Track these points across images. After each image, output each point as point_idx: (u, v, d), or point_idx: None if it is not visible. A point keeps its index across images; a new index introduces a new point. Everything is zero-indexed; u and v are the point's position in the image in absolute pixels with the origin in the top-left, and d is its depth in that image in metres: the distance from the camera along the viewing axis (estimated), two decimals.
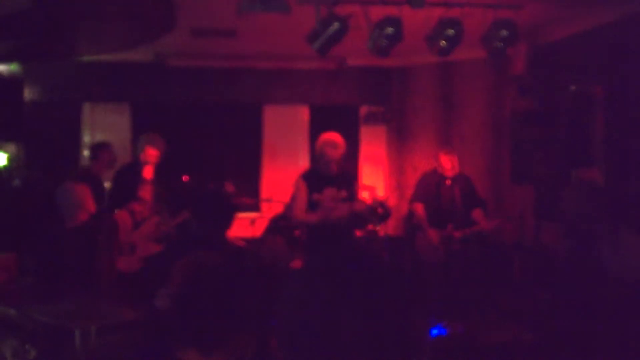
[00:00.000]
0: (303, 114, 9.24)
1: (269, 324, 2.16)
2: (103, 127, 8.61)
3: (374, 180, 9.11)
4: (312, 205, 6.16)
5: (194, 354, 1.94)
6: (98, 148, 7.17)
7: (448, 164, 6.92)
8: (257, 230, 7.90)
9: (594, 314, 5.47)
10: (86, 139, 8.53)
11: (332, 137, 6.18)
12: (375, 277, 1.34)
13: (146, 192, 5.87)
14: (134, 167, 6.75)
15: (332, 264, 1.40)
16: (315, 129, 9.15)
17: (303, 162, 8.89)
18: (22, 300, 4.60)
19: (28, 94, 8.32)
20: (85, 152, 8.48)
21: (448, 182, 6.97)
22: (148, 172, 5.88)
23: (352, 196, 6.25)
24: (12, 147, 8.38)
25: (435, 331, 6.29)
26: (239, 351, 1.97)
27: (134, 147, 6.85)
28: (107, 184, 6.96)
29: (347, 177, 6.41)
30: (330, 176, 6.17)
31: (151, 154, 6.07)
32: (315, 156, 6.27)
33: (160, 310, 3.79)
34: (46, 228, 5.35)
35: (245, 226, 7.91)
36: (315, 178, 6.19)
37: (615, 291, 5.52)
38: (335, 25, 5.71)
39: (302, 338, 1.30)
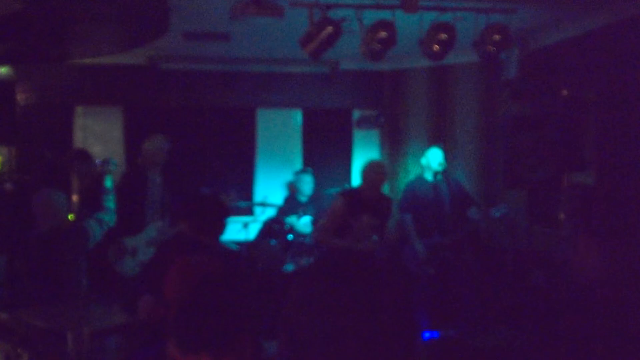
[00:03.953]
0: (296, 117, 9.24)
1: (263, 326, 2.16)
2: (95, 130, 8.58)
3: None
4: (344, 228, 6.21)
5: (205, 357, 1.93)
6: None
7: (437, 161, 6.94)
8: (250, 234, 7.91)
9: (586, 317, 5.48)
10: (78, 142, 8.50)
11: (379, 163, 6.34)
12: (373, 280, 1.34)
13: (112, 202, 5.87)
14: (138, 170, 6.76)
15: (334, 268, 1.41)
16: (308, 133, 9.18)
17: (296, 166, 8.89)
18: (14, 304, 4.59)
19: (20, 96, 8.30)
20: None
21: (435, 185, 6.96)
22: (108, 181, 5.88)
23: (384, 223, 6.30)
24: (5, 150, 8.35)
25: (427, 334, 6.29)
26: (245, 353, 1.96)
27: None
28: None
29: (384, 203, 6.45)
30: (370, 201, 6.23)
31: (112, 163, 6.04)
32: (361, 180, 6.39)
33: (142, 317, 3.78)
34: (21, 233, 5.37)
35: (238, 230, 7.91)
36: (357, 200, 6.25)
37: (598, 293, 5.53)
38: (329, 29, 5.71)
39: (303, 339, 1.30)
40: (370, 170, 6.30)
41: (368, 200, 6.28)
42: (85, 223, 5.46)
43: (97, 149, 8.24)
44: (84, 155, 7.07)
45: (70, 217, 5.57)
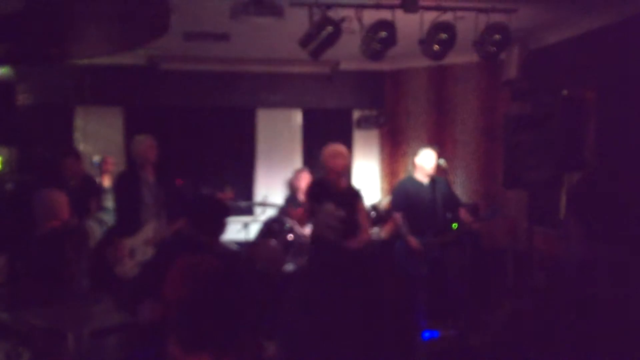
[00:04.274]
0: (296, 118, 9.25)
1: (264, 326, 2.16)
2: (96, 130, 8.59)
3: (367, 185, 9.13)
4: (312, 214, 6.19)
5: (207, 356, 1.93)
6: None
7: (430, 163, 6.91)
8: (250, 234, 7.90)
9: (585, 315, 5.47)
10: (78, 142, 8.50)
11: (335, 148, 6.24)
12: (372, 280, 1.34)
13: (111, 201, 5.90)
14: (131, 170, 6.77)
15: (331, 266, 1.41)
16: (309, 133, 9.18)
17: (296, 166, 8.89)
18: (15, 304, 4.59)
19: (20, 97, 8.29)
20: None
21: (425, 186, 6.93)
22: (107, 181, 5.90)
23: (353, 217, 6.19)
24: (5, 150, 8.35)
25: (427, 333, 6.28)
26: (245, 352, 1.96)
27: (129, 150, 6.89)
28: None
29: (350, 196, 6.32)
30: (334, 191, 6.16)
31: (110, 162, 6.07)
32: (322, 165, 6.32)
33: (144, 321, 3.78)
34: (22, 233, 5.38)
35: (239, 230, 7.91)
36: (320, 188, 6.20)
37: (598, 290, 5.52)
38: (329, 29, 5.72)
39: (302, 338, 1.31)
40: (327, 155, 6.21)
41: (333, 189, 6.17)
42: (86, 223, 5.47)
43: (97, 149, 8.24)
44: (74, 154, 7.07)
45: None
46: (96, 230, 5.48)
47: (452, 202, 7.02)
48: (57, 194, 5.32)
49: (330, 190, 6.17)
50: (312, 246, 6.59)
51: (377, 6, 5.74)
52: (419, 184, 6.99)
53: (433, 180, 6.96)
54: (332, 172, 6.17)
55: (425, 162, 6.94)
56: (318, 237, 6.18)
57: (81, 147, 8.38)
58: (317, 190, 6.20)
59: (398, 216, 6.93)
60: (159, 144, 6.72)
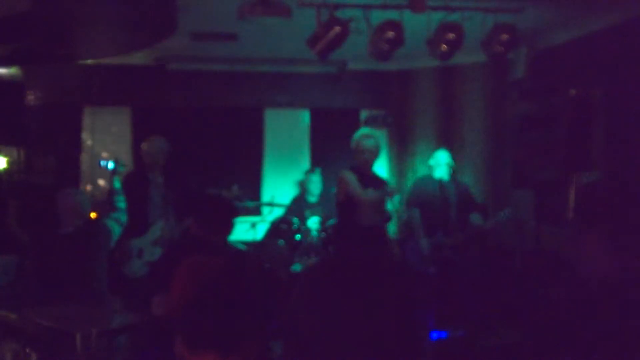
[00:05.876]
0: (304, 118, 9.24)
1: (270, 326, 2.16)
2: (103, 131, 8.60)
3: None
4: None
5: (212, 356, 1.93)
6: None
7: (442, 163, 6.95)
8: (258, 234, 7.91)
9: (591, 316, 5.45)
10: (86, 143, 8.51)
11: (365, 130, 6.28)
12: (379, 279, 1.34)
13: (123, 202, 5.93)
14: (139, 171, 6.80)
15: (337, 265, 1.40)
16: (316, 133, 9.17)
17: (304, 166, 8.88)
18: (23, 304, 4.61)
19: (28, 97, 8.32)
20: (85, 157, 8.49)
21: (443, 185, 6.95)
22: (117, 182, 5.94)
23: (385, 200, 6.21)
24: (13, 151, 8.38)
25: (435, 334, 6.28)
26: (252, 353, 1.96)
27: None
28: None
29: (381, 181, 6.39)
30: (369, 177, 6.17)
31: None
32: (353, 153, 6.31)
33: (157, 317, 3.79)
34: (43, 232, 5.39)
35: (246, 230, 7.91)
36: (358, 175, 6.21)
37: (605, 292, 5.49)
38: (336, 29, 5.72)
39: (306, 337, 1.30)
40: (360, 136, 6.31)
41: (366, 175, 6.22)
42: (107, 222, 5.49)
43: (105, 149, 8.26)
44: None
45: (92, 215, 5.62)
46: (115, 229, 5.51)
47: (467, 205, 7.01)
48: (80, 193, 5.36)
49: (366, 177, 6.19)
50: (339, 237, 6.53)
51: (385, 6, 5.74)
52: (435, 183, 7.01)
53: (450, 180, 6.98)
54: (367, 151, 6.19)
55: (440, 161, 6.99)
56: (353, 225, 6.13)
57: (89, 147, 8.41)
58: (357, 178, 6.20)
59: (415, 213, 6.94)
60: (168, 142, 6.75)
